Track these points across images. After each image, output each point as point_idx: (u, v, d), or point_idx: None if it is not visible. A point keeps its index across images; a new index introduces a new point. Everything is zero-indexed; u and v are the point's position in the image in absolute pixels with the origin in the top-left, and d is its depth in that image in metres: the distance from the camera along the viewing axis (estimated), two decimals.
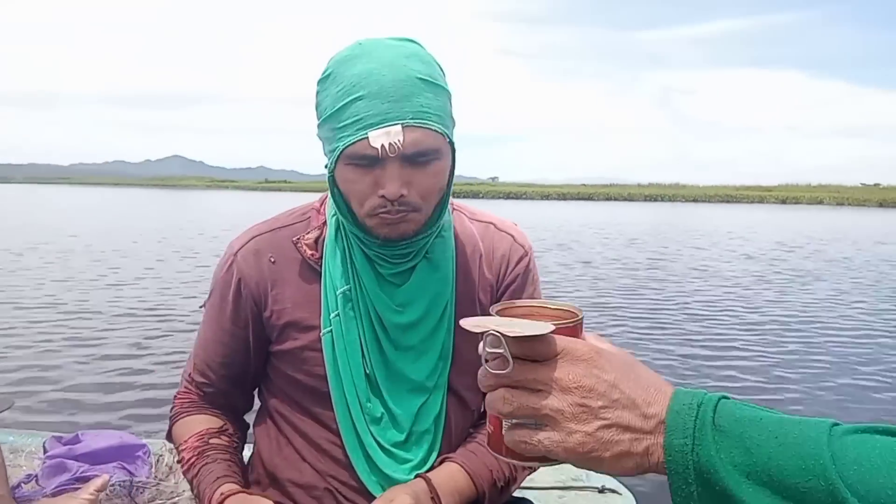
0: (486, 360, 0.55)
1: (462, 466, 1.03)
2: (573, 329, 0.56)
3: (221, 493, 0.99)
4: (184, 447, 1.09)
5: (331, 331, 1.03)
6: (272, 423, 1.12)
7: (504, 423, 0.55)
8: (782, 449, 0.48)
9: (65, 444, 1.82)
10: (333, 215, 1.06)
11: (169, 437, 1.18)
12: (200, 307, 1.15)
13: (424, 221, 1.00)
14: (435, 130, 0.93)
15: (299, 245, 1.07)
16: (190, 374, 1.15)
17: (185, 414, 1.14)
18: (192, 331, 5.54)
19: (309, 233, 1.07)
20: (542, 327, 0.53)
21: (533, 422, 0.53)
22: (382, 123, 0.90)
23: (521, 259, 1.13)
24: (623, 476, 0.50)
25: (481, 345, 0.54)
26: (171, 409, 1.17)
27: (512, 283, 1.12)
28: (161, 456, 1.87)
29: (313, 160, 1.13)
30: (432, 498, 0.98)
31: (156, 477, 1.78)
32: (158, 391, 4.24)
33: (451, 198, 1.07)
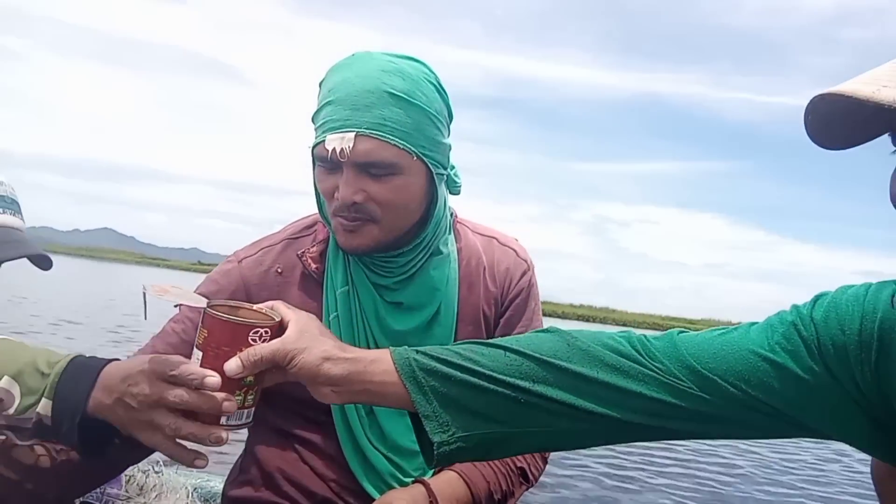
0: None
1: (460, 475, 1.01)
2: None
3: None
4: None
5: None
6: (270, 429, 1.08)
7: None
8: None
9: None
10: None
11: None
12: (176, 306, 0.97)
13: (385, 239, 0.98)
14: (392, 143, 0.92)
15: (304, 259, 1.05)
16: None
17: None
18: None
19: (314, 246, 1.06)
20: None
21: None
22: (340, 129, 0.92)
23: (524, 274, 1.14)
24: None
25: None
26: None
27: (516, 297, 1.12)
28: (133, 476, 1.79)
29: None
30: (431, 502, 0.96)
31: (126, 493, 1.70)
32: None
33: (449, 216, 1.09)
